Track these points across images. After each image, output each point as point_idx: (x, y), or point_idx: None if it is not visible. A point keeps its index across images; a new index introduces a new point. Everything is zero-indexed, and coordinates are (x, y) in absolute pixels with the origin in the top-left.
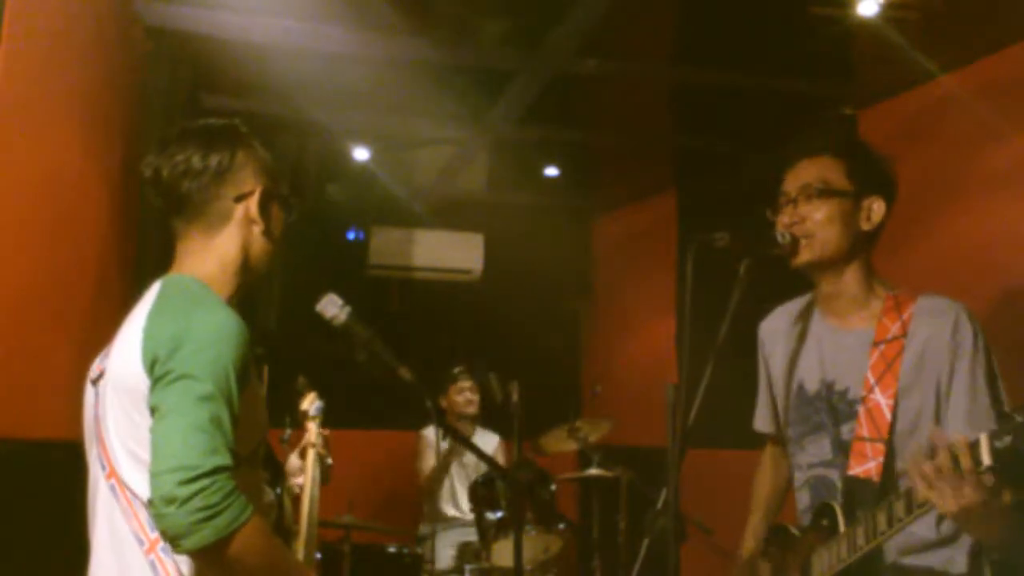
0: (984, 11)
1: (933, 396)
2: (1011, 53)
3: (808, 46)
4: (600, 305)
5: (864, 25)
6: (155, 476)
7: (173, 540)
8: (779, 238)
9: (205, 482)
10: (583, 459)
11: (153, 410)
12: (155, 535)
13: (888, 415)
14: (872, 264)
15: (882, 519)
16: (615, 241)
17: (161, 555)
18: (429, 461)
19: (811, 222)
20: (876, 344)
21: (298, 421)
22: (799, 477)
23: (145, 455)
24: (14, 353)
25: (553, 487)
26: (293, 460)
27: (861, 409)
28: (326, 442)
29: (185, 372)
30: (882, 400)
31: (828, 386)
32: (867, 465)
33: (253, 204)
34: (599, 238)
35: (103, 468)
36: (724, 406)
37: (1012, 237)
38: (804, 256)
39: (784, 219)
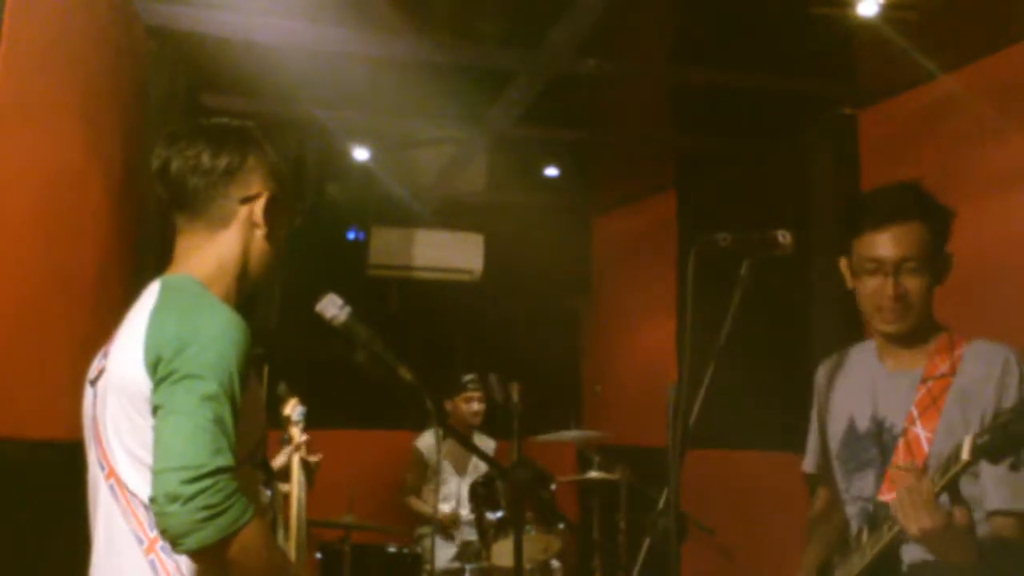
0: (984, 11)
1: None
2: (1011, 53)
3: (808, 46)
4: (600, 305)
5: (864, 25)
6: (158, 474)
7: (174, 539)
8: (780, 238)
9: (208, 482)
10: (583, 460)
11: (156, 409)
12: (154, 534)
13: (925, 447)
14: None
15: (886, 528)
16: (615, 241)
17: (160, 554)
18: (415, 478)
19: (914, 294)
20: (924, 380)
21: (281, 426)
22: (850, 511)
23: (145, 455)
24: (14, 353)
25: (553, 487)
26: (279, 459)
27: (900, 441)
28: (310, 446)
29: (190, 372)
30: (921, 433)
31: (879, 423)
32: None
33: (258, 208)
34: (599, 238)
35: (102, 468)
36: (725, 406)
37: (1012, 237)
38: (901, 326)
39: (888, 291)
